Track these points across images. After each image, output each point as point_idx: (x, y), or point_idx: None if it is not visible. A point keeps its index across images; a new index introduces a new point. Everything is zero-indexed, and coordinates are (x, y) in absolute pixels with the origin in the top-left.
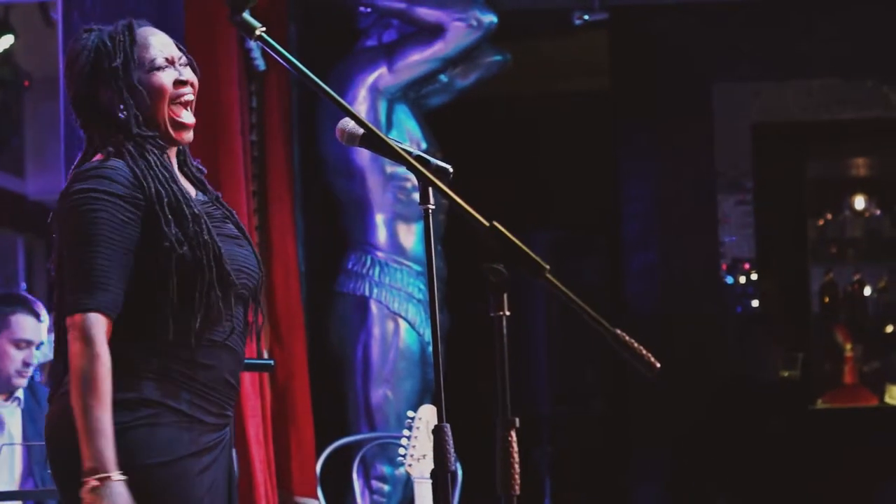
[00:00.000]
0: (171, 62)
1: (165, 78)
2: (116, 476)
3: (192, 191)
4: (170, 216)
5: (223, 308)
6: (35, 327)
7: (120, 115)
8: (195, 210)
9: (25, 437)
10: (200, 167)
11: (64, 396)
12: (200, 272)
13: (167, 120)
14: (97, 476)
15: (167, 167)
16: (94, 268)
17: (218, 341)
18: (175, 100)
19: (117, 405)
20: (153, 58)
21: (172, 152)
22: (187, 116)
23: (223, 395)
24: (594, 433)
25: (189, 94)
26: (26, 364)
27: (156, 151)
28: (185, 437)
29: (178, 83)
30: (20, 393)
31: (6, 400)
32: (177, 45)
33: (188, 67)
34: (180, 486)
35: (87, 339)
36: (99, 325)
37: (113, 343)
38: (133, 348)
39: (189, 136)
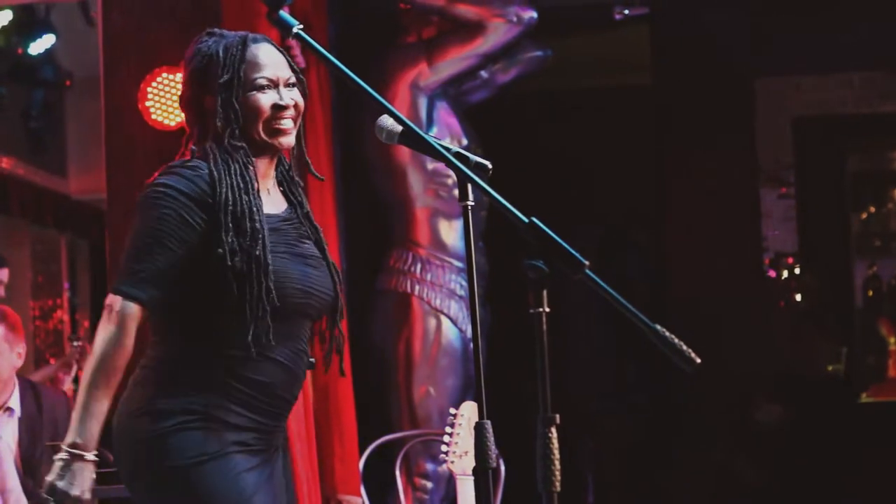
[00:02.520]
0: (274, 83)
1: (264, 100)
2: (90, 457)
3: (280, 206)
4: (230, 224)
5: (272, 324)
6: None
7: (217, 122)
8: (258, 225)
9: (21, 446)
10: (298, 181)
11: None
12: (249, 285)
13: (262, 133)
14: (75, 451)
15: (247, 177)
16: (148, 261)
17: (268, 356)
18: (270, 122)
19: (160, 414)
20: (256, 78)
21: (266, 165)
22: (287, 124)
23: (272, 406)
24: (637, 430)
25: (286, 121)
26: None
27: (242, 160)
28: (215, 440)
29: (277, 107)
30: (13, 402)
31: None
32: (290, 65)
33: (295, 89)
34: (223, 480)
35: (121, 326)
36: (134, 316)
37: (167, 344)
38: (183, 352)
39: (287, 140)
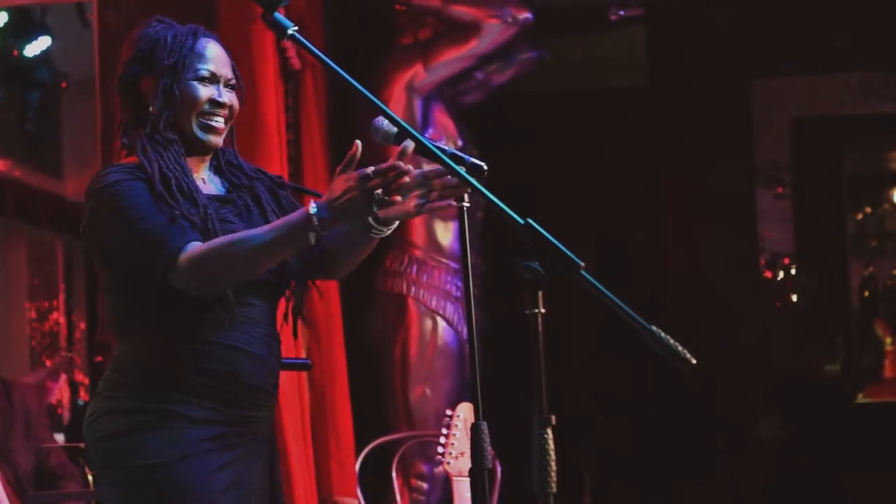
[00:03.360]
0: (216, 79)
1: (202, 91)
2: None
3: (217, 190)
4: (179, 198)
5: (222, 309)
6: None
7: (150, 107)
8: (204, 200)
9: None
10: (242, 163)
11: (101, 398)
12: None
13: (193, 125)
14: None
15: (182, 163)
16: (150, 223)
17: (226, 343)
18: (203, 116)
19: (119, 412)
20: (199, 68)
21: (196, 162)
22: (218, 122)
23: (241, 396)
24: (633, 431)
25: (219, 119)
26: None
27: (174, 151)
28: (181, 438)
29: (213, 102)
30: None
31: None
32: (233, 70)
33: (234, 93)
34: (188, 481)
35: (192, 262)
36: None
37: (128, 342)
38: (142, 349)
39: (216, 139)
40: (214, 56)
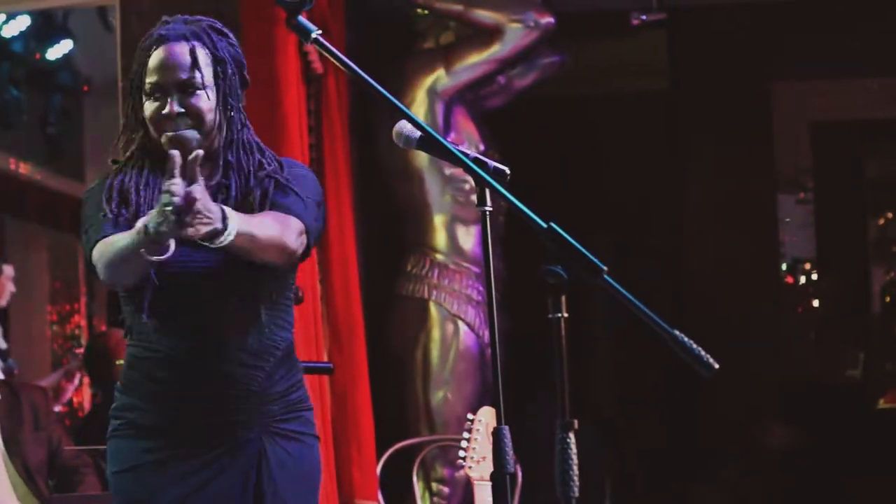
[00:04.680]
0: (163, 88)
1: (148, 107)
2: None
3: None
4: (116, 196)
5: (163, 312)
6: None
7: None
8: (141, 199)
9: (4, 431)
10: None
11: None
12: None
13: (161, 140)
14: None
15: (145, 174)
16: (87, 227)
17: (170, 352)
18: (164, 131)
19: (111, 416)
20: (146, 82)
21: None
22: (181, 132)
23: (195, 406)
24: (656, 435)
25: (168, 129)
26: None
27: (140, 165)
28: (134, 447)
29: (162, 117)
30: None
31: None
32: (192, 68)
33: (198, 93)
34: (132, 492)
35: (96, 258)
36: None
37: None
38: (126, 355)
39: (189, 148)
40: (160, 64)
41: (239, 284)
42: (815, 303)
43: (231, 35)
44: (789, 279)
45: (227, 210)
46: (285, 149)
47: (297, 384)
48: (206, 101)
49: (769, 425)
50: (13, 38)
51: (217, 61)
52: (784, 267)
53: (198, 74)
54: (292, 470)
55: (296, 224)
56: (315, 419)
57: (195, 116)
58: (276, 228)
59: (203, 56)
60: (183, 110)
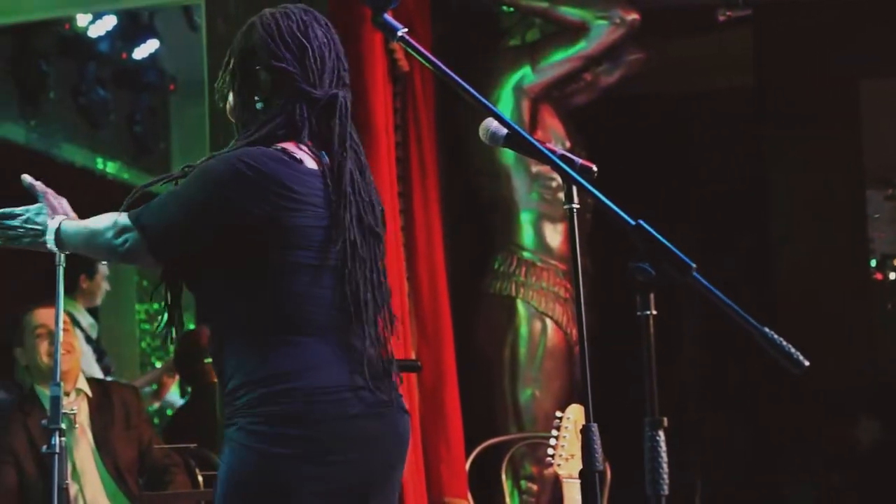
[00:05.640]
0: None
1: None
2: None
3: None
4: None
5: None
6: None
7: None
8: None
9: (94, 426)
10: None
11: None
12: None
13: None
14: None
15: None
16: None
17: None
18: None
19: None
20: None
21: None
22: None
23: None
24: (745, 433)
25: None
26: None
27: None
28: None
29: None
30: (82, 383)
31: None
32: (222, 73)
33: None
34: None
35: None
36: None
37: None
38: None
39: None
40: None
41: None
42: None
43: (260, 20)
44: (878, 275)
45: (57, 218)
46: (372, 147)
47: (243, 386)
48: (229, 105)
49: (859, 422)
50: (100, 38)
51: (235, 61)
52: (873, 263)
53: (222, 82)
54: (219, 475)
55: (120, 221)
56: None
57: (228, 112)
58: (92, 230)
59: (229, 60)
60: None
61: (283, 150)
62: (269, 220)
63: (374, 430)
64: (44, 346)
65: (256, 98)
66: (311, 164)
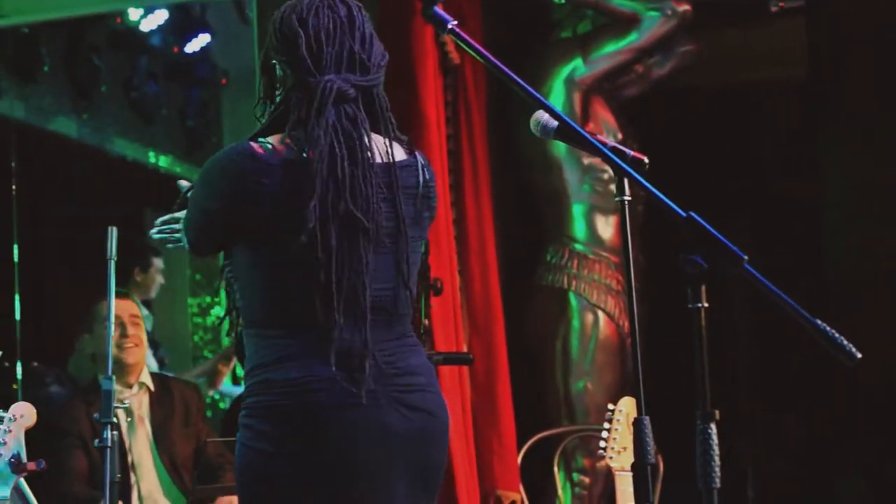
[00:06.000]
0: None
1: None
2: None
3: None
4: None
5: None
6: None
7: None
8: None
9: (154, 420)
10: None
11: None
12: None
13: None
14: None
15: None
16: None
17: None
18: None
19: None
20: None
21: None
22: None
23: None
24: (798, 425)
25: None
26: None
27: None
28: None
29: None
30: (145, 377)
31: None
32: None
33: None
34: None
35: None
36: None
37: None
38: None
39: None
40: None
41: None
42: None
43: (273, 15)
44: None
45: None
46: (423, 140)
47: (244, 379)
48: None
49: None
50: (151, 32)
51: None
52: None
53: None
54: None
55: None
56: (455, 409)
57: None
58: None
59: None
60: None
61: (252, 145)
62: (233, 216)
63: (348, 422)
64: (114, 337)
65: (277, 92)
66: (283, 155)
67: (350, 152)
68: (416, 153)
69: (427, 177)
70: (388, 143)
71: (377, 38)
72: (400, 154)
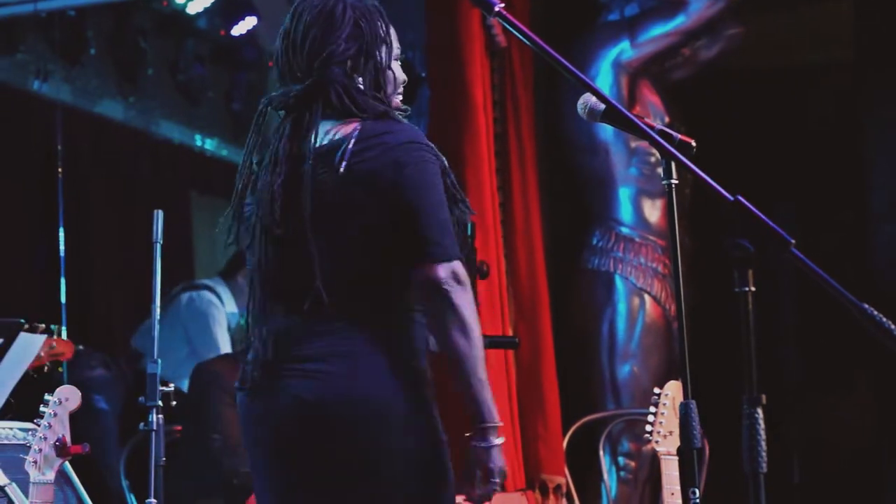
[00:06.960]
0: None
1: (401, 73)
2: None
3: None
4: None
5: None
6: None
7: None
8: None
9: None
10: None
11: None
12: None
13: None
14: (496, 428)
15: None
16: (447, 220)
17: None
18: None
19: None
20: (395, 50)
21: None
22: None
23: None
24: (845, 411)
25: None
26: None
27: None
28: None
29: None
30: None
31: None
32: None
33: None
34: None
35: (466, 286)
36: None
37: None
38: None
39: None
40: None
41: None
42: None
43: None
44: None
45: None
46: (470, 123)
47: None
48: None
49: None
50: (198, 14)
51: None
52: None
53: None
54: None
55: None
56: (501, 393)
57: None
58: None
59: None
60: None
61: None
62: None
63: (255, 410)
64: None
65: None
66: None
67: (291, 148)
68: (361, 123)
69: (352, 147)
70: (332, 130)
71: (320, 26)
72: (341, 134)
